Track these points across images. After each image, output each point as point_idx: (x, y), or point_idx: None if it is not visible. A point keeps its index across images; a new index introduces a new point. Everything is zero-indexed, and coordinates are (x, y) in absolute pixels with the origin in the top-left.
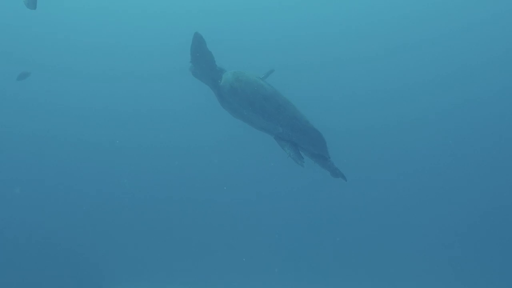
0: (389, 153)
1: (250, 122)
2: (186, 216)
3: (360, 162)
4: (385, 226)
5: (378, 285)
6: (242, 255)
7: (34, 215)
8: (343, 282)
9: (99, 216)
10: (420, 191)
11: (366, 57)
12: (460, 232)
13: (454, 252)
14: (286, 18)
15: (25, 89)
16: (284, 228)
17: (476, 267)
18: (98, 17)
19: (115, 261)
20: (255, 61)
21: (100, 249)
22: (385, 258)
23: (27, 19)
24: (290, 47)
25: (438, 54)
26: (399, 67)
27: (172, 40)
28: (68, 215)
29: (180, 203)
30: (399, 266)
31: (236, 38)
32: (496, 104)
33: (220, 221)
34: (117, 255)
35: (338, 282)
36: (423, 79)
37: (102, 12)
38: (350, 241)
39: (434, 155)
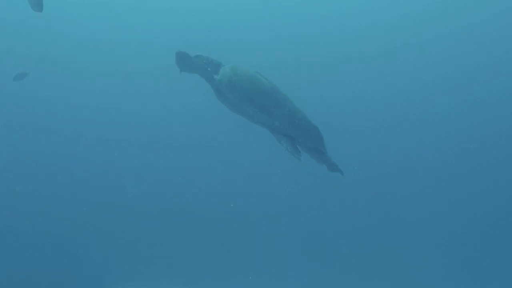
0: (390, 153)
1: (248, 116)
2: (186, 216)
3: (360, 161)
4: (385, 226)
5: (378, 285)
6: (242, 255)
7: (34, 215)
8: (343, 282)
9: (99, 215)
10: (421, 191)
11: (367, 55)
12: (466, 232)
13: (457, 252)
14: (286, 16)
15: (25, 85)
16: (284, 228)
17: (479, 267)
18: (98, 12)
19: (116, 261)
20: (255, 59)
21: (101, 248)
22: (385, 258)
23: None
24: (291, 45)
25: (440, 53)
26: (400, 66)
27: (172, 37)
28: (68, 215)
29: (181, 202)
30: (399, 266)
31: (236, 36)
32: (500, 104)
33: (220, 221)
34: (118, 254)
35: (338, 282)
36: (424, 78)
37: (102, 7)
38: (351, 241)
39: (436, 154)
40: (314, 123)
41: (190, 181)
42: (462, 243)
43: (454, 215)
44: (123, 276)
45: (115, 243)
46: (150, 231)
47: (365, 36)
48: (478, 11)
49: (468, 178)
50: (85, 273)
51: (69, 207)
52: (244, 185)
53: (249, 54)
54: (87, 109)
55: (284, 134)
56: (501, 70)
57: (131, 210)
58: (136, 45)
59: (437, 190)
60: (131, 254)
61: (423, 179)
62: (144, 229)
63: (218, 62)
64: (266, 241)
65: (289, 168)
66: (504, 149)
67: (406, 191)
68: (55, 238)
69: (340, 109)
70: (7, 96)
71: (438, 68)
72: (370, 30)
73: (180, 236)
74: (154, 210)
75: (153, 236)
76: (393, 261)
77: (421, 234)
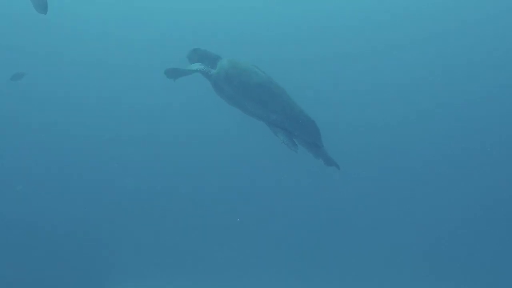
0: (390, 152)
1: (245, 109)
2: (187, 216)
3: (359, 161)
4: (385, 226)
5: (378, 285)
6: (243, 256)
7: (35, 214)
8: (343, 282)
9: (101, 213)
10: (421, 191)
11: (369, 52)
12: (466, 232)
13: (456, 252)
14: (287, 12)
15: (25, 82)
16: (284, 228)
17: (479, 267)
18: (98, 12)
19: (118, 258)
20: (256, 57)
21: (103, 248)
22: (385, 258)
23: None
24: (291, 43)
25: (442, 51)
26: (401, 63)
27: (172, 34)
28: (69, 214)
29: (182, 202)
30: (399, 266)
31: (236, 34)
32: (503, 102)
33: (221, 221)
34: (119, 253)
35: (338, 282)
36: (425, 76)
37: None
38: (351, 241)
39: (436, 154)
40: (311, 116)
41: (190, 181)
42: (462, 243)
43: (454, 215)
44: (126, 273)
45: (118, 241)
46: (153, 229)
47: (365, 34)
48: (479, 9)
49: (468, 178)
50: (88, 271)
51: (70, 206)
52: (246, 184)
53: (249, 51)
54: (87, 108)
55: (281, 128)
56: (508, 67)
57: (133, 208)
58: (136, 43)
59: (437, 190)
60: (134, 252)
61: (423, 178)
62: (146, 227)
63: (216, 55)
64: (266, 241)
65: (288, 168)
66: (505, 149)
67: (406, 191)
68: (57, 237)
69: (339, 107)
70: (8, 93)
71: (438, 67)
72: (370, 27)
73: (182, 233)
74: (157, 208)
75: (155, 233)
76: (393, 261)
77: (420, 234)
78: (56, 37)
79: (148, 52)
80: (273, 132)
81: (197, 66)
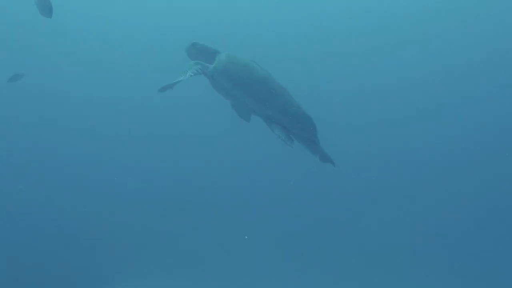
0: (390, 152)
1: (242, 104)
2: (187, 216)
3: (359, 161)
4: (385, 226)
5: (378, 285)
6: (243, 256)
7: (36, 213)
8: (343, 282)
9: (104, 213)
10: (422, 190)
11: (369, 52)
12: (466, 232)
13: (457, 253)
14: (287, 11)
15: (26, 82)
16: (284, 228)
17: (480, 268)
18: (98, 10)
19: (117, 260)
20: (256, 57)
21: (103, 248)
22: (385, 258)
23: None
24: (291, 42)
25: (442, 51)
26: (401, 63)
27: (172, 34)
28: (69, 214)
29: (182, 202)
30: (399, 266)
31: (236, 33)
32: (503, 102)
33: (221, 221)
34: (119, 253)
35: (338, 282)
36: (425, 76)
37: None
38: (350, 241)
39: (436, 154)
40: (308, 113)
41: (191, 181)
42: (462, 243)
43: (454, 215)
44: (126, 273)
45: (118, 241)
46: (153, 229)
47: (366, 33)
48: (479, 9)
49: (468, 178)
50: (88, 271)
51: (71, 206)
52: (246, 184)
53: (248, 52)
54: (88, 108)
55: (278, 123)
56: (504, 69)
57: (133, 207)
58: (136, 43)
59: (437, 189)
60: (134, 252)
61: (423, 178)
62: (147, 227)
63: (215, 50)
64: (266, 241)
65: (288, 168)
66: (505, 148)
67: (406, 190)
68: (57, 237)
69: (339, 107)
70: (8, 93)
71: (438, 67)
72: (370, 27)
73: (182, 233)
74: (157, 208)
75: (155, 233)
76: (393, 261)
77: (420, 234)
78: (56, 37)
79: (148, 52)
80: (270, 127)
81: (190, 70)
